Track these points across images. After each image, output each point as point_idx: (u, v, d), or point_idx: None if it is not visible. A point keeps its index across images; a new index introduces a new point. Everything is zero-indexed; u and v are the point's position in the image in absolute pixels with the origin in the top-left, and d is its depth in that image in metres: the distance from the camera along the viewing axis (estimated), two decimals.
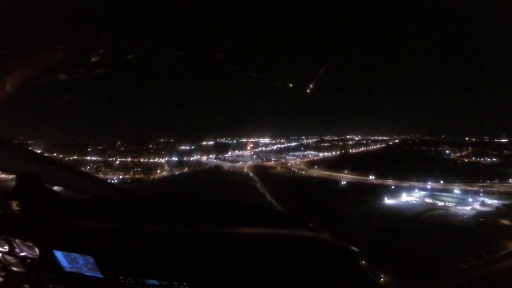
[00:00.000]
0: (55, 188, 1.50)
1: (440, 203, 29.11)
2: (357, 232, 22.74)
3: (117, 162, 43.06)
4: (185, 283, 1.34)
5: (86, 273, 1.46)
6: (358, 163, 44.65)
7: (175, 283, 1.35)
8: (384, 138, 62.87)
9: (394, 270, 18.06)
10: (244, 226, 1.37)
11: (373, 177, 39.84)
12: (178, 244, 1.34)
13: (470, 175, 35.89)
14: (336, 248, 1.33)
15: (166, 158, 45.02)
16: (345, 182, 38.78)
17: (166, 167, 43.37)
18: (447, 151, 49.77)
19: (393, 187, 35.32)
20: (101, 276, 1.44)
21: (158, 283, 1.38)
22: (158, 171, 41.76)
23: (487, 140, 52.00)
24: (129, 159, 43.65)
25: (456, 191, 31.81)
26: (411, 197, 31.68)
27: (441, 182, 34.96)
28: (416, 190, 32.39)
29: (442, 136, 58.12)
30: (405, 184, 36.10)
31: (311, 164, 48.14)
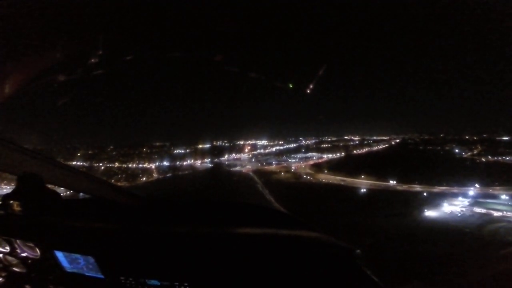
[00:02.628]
0: (56, 188, 1.44)
1: (496, 213, 23.67)
2: (414, 267, 15.81)
3: (102, 168, 38.76)
4: (186, 284, 1.32)
5: (87, 274, 1.43)
6: (369, 166, 38.88)
7: (176, 283, 1.32)
8: (383, 138, 59.79)
9: None
10: (245, 227, 1.33)
11: (394, 182, 34.03)
12: (179, 245, 1.31)
13: (504, 176, 31.33)
14: (338, 248, 1.27)
15: (157, 163, 41.05)
16: (365, 190, 32.40)
17: (154, 174, 39.04)
18: (457, 150, 46.45)
19: (425, 194, 29.64)
20: (102, 276, 1.41)
21: (159, 284, 1.35)
22: (144, 179, 37.47)
23: (485, 137, 50.15)
24: (116, 165, 39.78)
25: (504, 196, 26.74)
26: (454, 206, 26.03)
27: (477, 186, 29.86)
28: (460, 198, 26.78)
29: (441, 135, 56.10)
30: (436, 189, 30.69)
31: (317, 167, 41.61)
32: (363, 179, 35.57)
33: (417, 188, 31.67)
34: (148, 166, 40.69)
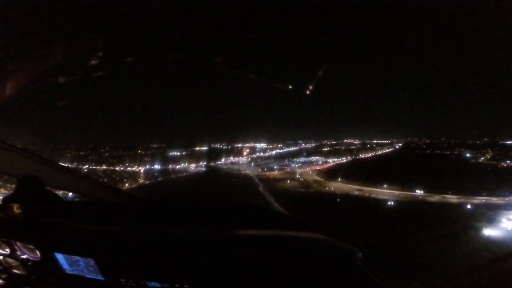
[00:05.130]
0: (56, 190, 1.42)
1: None
2: None
3: (86, 170, 35.00)
4: (186, 286, 1.31)
5: (87, 276, 1.42)
6: (384, 172, 33.34)
7: (177, 285, 1.32)
8: (384, 141, 55.89)
9: None
10: (246, 228, 1.32)
11: (421, 191, 28.45)
12: (179, 247, 1.31)
13: None
14: (339, 250, 1.25)
15: (147, 166, 37.53)
16: (392, 203, 26.35)
17: (140, 179, 35.28)
18: (468, 155, 42.92)
19: (468, 206, 24.14)
20: (103, 278, 1.40)
21: (159, 286, 1.34)
22: (126, 185, 33.09)
23: (488, 141, 47.79)
24: (103, 167, 36.85)
25: None
26: None
27: None
28: None
29: (442, 139, 53.50)
30: (477, 201, 25.43)
31: (325, 173, 35.37)
32: (384, 188, 29.59)
33: (454, 199, 26.23)
34: (137, 170, 37.51)
